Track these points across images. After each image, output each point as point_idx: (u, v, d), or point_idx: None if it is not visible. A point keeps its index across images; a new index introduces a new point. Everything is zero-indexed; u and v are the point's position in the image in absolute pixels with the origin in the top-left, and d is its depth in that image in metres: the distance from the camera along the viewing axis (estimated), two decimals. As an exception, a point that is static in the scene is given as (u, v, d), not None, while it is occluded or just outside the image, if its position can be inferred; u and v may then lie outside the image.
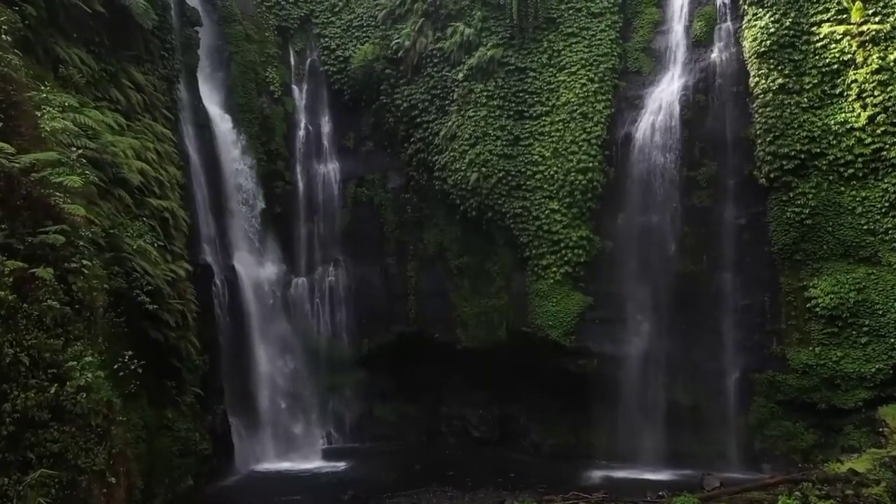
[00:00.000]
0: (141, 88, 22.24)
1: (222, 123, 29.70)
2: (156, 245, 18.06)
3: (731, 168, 26.76)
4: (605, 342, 28.00)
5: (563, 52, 29.58)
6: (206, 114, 28.73)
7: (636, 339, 27.63)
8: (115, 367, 12.21)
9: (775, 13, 25.81)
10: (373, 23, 33.27)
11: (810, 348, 24.96)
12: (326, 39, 33.70)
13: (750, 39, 26.21)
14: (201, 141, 28.06)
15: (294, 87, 33.78)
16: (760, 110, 25.79)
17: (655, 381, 27.40)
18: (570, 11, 29.78)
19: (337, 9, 33.87)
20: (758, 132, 25.87)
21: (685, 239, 27.24)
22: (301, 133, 33.53)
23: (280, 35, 33.54)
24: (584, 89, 28.86)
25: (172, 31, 25.96)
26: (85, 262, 11.23)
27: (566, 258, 28.20)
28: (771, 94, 25.59)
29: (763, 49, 25.80)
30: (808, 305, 25.04)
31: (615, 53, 29.19)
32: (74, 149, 12.68)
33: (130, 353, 13.12)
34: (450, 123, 30.47)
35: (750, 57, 26.23)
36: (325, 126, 33.93)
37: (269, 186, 31.40)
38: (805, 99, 25.28)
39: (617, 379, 27.63)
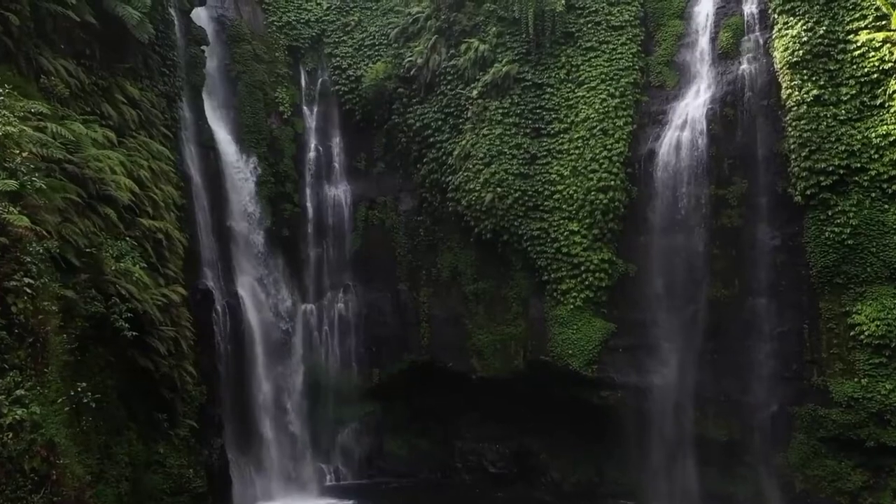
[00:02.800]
0: (136, 104, 21.29)
1: (228, 144, 28.79)
2: (139, 266, 16.74)
3: (764, 185, 25.18)
4: (629, 372, 26.42)
5: (581, 66, 28.42)
6: (211, 134, 27.79)
7: (663, 369, 26.00)
8: (60, 400, 10.71)
9: (808, 21, 24.33)
10: (385, 41, 32.39)
11: (855, 380, 22.97)
12: (338, 59, 32.80)
13: (781, 49, 24.73)
14: (205, 161, 27.09)
15: (304, 107, 32.84)
16: (794, 123, 24.20)
17: (685, 415, 25.75)
18: (589, 25, 28.68)
19: (349, 28, 33.03)
20: (792, 147, 24.25)
21: (715, 261, 25.66)
22: (311, 154, 32.49)
23: (291, 55, 32.72)
24: (605, 105, 27.55)
25: (175, 49, 25.14)
26: (29, 280, 9.91)
27: (587, 282, 26.70)
28: (805, 107, 24.02)
29: (795, 59, 24.29)
30: (851, 333, 23.13)
31: (637, 67, 27.95)
32: (19, 152, 11.43)
33: (84, 384, 11.65)
34: (464, 142, 29.28)
35: (781, 68, 24.74)
36: (336, 147, 32.88)
37: (277, 209, 30.31)
38: (843, 111, 23.63)
39: (643, 411, 26.05)
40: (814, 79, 24.01)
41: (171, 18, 25.08)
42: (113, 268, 15.41)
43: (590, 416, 27.10)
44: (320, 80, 33.14)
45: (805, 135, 23.91)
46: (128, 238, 16.94)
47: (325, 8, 33.20)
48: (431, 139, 30.40)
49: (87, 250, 14.91)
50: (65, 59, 18.13)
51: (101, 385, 16.96)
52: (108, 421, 17.29)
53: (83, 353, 15.64)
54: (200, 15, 29.26)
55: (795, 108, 24.21)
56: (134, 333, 15.70)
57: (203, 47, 28.20)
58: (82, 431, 15.57)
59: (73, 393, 11.30)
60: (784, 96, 24.60)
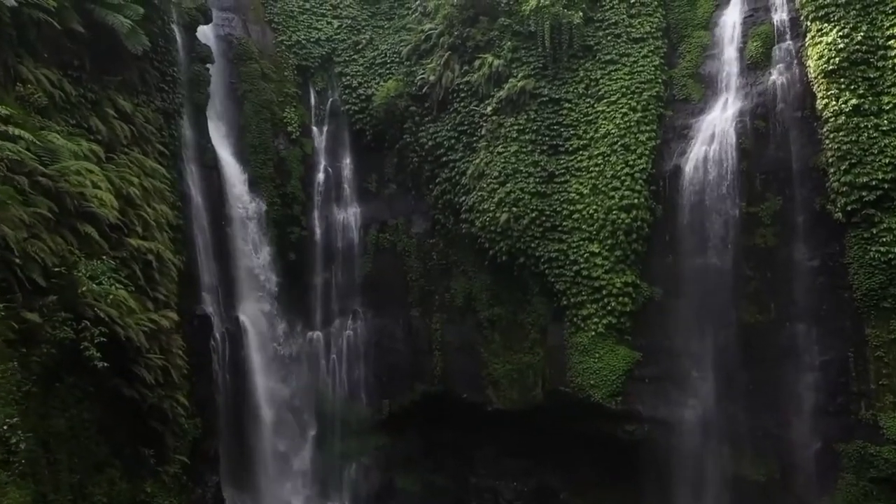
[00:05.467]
0: (129, 119, 20.24)
1: (232, 164, 27.73)
2: (116, 288, 15.40)
3: (800, 202, 23.57)
4: (657, 404, 24.85)
5: (601, 80, 27.20)
6: (214, 154, 26.74)
7: (694, 402, 24.39)
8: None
9: (843, 27, 22.85)
10: (397, 59, 31.40)
11: (909, 414, 20.91)
12: (348, 78, 31.80)
13: (815, 58, 23.22)
14: (207, 182, 26.00)
15: (314, 128, 31.78)
16: (832, 135, 22.59)
17: (718, 452, 24.06)
18: (609, 38, 27.50)
19: (360, 46, 32.10)
20: (830, 160, 22.62)
21: (748, 284, 24.02)
22: (320, 176, 31.33)
23: (300, 74, 31.75)
24: (626, 119, 26.17)
25: (176, 65, 24.21)
26: (-48, 297, 8.59)
27: (609, 307, 25.15)
28: (844, 117, 22.43)
29: (832, 67, 22.77)
30: (902, 362, 21.11)
31: (659, 80, 26.69)
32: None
33: (14, 420, 10.18)
34: (477, 161, 28.01)
35: (816, 77, 23.23)
36: (346, 168, 31.70)
37: (283, 232, 29.08)
38: (885, 121, 22.02)
39: (672, 448, 24.44)
40: (852, 87, 22.47)
41: (171, 34, 24.19)
42: (85, 289, 14.07)
43: (615, 451, 25.46)
44: (330, 100, 32.12)
45: (844, 147, 22.28)
46: (105, 258, 15.57)
47: (335, 27, 32.34)
48: (444, 158, 29.15)
49: (56, 269, 13.60)
50: (48, 69, 17.12)
51: (76, 418, 15.65)
52: (84, 458, 15.90)
53: (53, 383, 14.32)
54: (207, 34, 28.42)
55: (833, 119, 22.61)
56: (105, 364, 14.23)
57: (208, 65, 27.30)
58: (51, 470, 14.23)
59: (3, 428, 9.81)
60: (820, 107, 23.05)
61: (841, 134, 22.36)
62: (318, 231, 30.55)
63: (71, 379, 14.71)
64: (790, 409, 22.91)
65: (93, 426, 16.38)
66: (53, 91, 16.95)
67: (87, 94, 18.58)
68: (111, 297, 14.69)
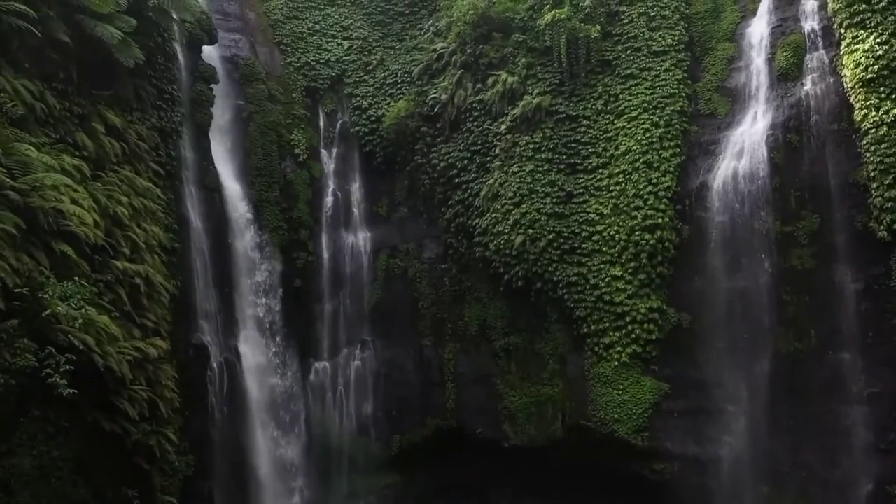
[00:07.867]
0: (121, 136, 19.20)
1: (236, 187, 26.66)
2: (87, 312, 14.06)
3: (839, 220, 21.95)
4: (687, 441, 23.21)
5: (621, 96, 26.09)
6: (217, 176, 25.72)
7: (728, 438, 22.65)
8: None
9: (882, 34, 21.50)
10: (408, 79, 30.46)
11: (971, 453, 18.87)
12: (358, 99, 30.84)
13: (852, 66, 21.81)
14: (208, 204, 24.96)
15: (323, 150, 30.74)
16: (873, 148, 21.07)
17: (757, 493, 22.22)
18: (628, 52, 26.49)
19: (371, 67, 31.22)
20: (872, 175, 21.05)
21: (785, 309, 22.32)
22: (328, 199, 30.16)
23: (309, 96, 30.84)
24: (648, 135, 24.91)
25: (176, 83, 23.33)
26: None
27: (633, 335, 23.67)
28: (885, 128, 20.94)
29: (870, 76, 21.36)
30: (961, 395, 19.13)
31: (683, 94, 25.49)
32: None
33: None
34: (491, 181, 26.79)
35: (853, 87, 21.78)
36: (356, 192, 30.55)
37: (289, 257, 27.83)
38: (931, 132, 20.31)
39: (706, 488, 22.78)
40: (893, 97, 20.98)
41: (172, 51, 23.34)
42: (50, 312, 12.76)
43: (641, 492, 23.73)
44: (340, 122, 31.15)
45: (888, 160, 20.73)
46: (78, 279, 14.27)
47: (345, 48, 31.53)
48: (457, 180, 27.97)
49: (17, 290, 12.32)
50: (29, 80, 16.11)
51: (45, 456, 14.27)
52: (55, 500, 14.48)
53: (16, 418, 12.98)
54: (212, 54, 27.66)
55: (873, 130, 21.08)
56: (72, 391, 12.86)
57: (212, 85, 26.44)
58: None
59: None
60: (858, 118, 21.56)
61: (883, 146, 20.82)
62: (325, 256, 29.28)
63: (38, 412, 13.35)
64: (836, 447, 21.00)
65: (67, 465, 14.99)
66: (34, 103, 15.92)
67: (73, 108, 17.57)
68: (81, 321, 13.35)
